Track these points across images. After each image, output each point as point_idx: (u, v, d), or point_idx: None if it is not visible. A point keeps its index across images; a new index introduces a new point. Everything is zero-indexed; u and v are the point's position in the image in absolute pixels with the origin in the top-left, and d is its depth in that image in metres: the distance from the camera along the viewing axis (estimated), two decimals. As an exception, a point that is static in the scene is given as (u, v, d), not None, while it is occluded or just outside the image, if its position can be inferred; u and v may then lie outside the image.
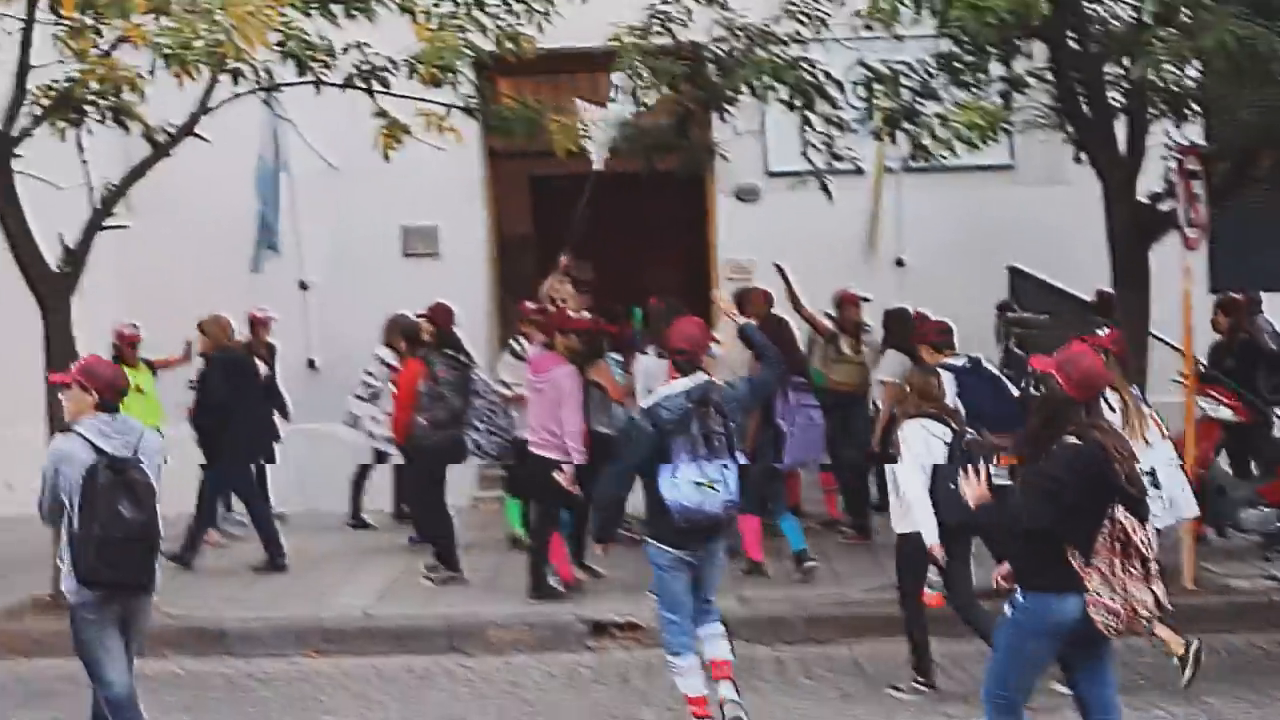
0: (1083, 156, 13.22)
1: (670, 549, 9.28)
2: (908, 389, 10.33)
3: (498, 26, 12.92)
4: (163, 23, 10.80)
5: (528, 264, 20.07)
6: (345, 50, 12.65)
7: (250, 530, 15.18)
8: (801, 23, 13.07)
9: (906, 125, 13.47)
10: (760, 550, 13.47)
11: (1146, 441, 10.07)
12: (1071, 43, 12.21)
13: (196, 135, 13.11)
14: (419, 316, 14.27)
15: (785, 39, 12.88)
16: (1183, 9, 10.29)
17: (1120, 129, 12.76)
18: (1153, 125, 12.80)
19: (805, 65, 12.83)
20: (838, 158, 14.05)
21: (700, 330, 9.66)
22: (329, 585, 13.79)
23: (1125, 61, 11.98)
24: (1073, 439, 7.18)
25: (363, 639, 12.38)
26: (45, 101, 12.70)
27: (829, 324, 15.02)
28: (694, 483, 9.08)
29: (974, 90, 12.61)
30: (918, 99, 13.12)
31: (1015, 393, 11.97)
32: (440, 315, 14.07)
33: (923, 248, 17.08)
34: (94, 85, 12.10)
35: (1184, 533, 12.47)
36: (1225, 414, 13.76)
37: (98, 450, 8.27)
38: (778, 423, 13.25)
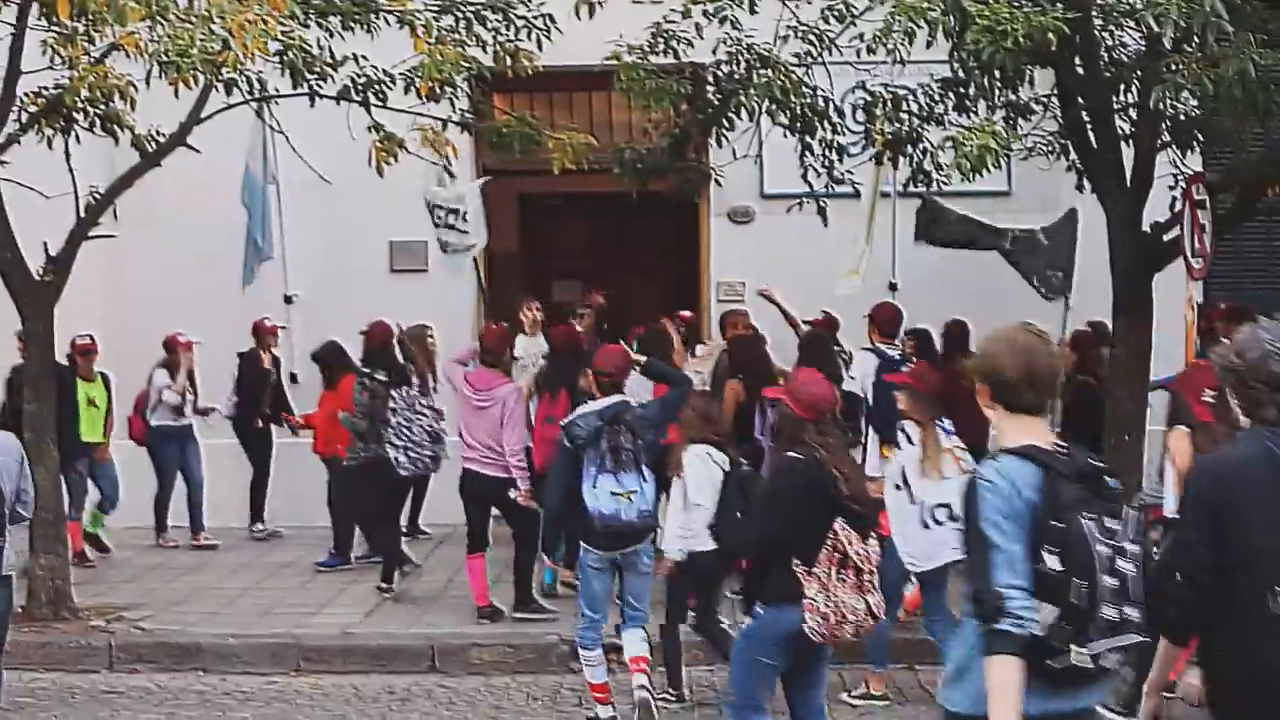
0: (1085, 184, 13.13)
1: (596, 550, 10.12)
2: (692, 413, 10.66)
3: (497, 42, 12.77)
4: (159, 30, 10.61)
5: (513, 281, 19.97)
6: (343, 62, 12.45)
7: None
8: (812, 45, 12.89)
9: (908, 149, 13.43)
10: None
11: (943, 475, 10.09)
12: (1079, 69, 12.07)
13: (187, 145, 12.94)
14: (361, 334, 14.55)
15: (786, 63, 12.70)
16: (1201, 36, 10.12)
17: (1126, 157, 12.65)
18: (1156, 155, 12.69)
19: (807, 89, 12.68)
20: (838, 181, 13.93)
21: (622, 356, 10.68)
22: (315, 603, 13.60)
23: (1135, 88, 11.87)
24: (794, 455, 7.83)
25: (342, 658, 12.19)
26: (33, 108, 12.55)
27: None
28: (611, 493, 9.97)
29: (976, 115, 12.49)
30: (920, 124, 13.01)
31: None
32: (373, 334, 14.33)
33: (916, 272, 16.92)
34: (84, 93, 11.94)
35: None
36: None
37: None
38: (757, 438, 13.09)
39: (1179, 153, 12.86)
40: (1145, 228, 12.76)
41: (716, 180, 14.86)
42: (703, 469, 10.23)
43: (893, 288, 16.90)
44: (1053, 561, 5.07)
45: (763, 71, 12.56)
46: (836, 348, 14.09)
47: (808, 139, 13.29)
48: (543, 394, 13.49)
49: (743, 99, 12.55)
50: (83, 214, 13.00)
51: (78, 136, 12.69)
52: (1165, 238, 12.75)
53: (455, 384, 12.99)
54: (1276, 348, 5.57)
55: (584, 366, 13.07)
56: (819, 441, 7.83)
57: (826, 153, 13.63)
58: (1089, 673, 5.15)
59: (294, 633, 12.57)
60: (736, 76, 13.06)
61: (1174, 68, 10.55)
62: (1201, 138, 12.56)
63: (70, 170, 12.72)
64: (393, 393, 13.77)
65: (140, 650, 12.26)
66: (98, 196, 13.06)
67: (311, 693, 11.56)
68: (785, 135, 13.22)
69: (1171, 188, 13.01)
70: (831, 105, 13.08)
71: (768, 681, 8.10)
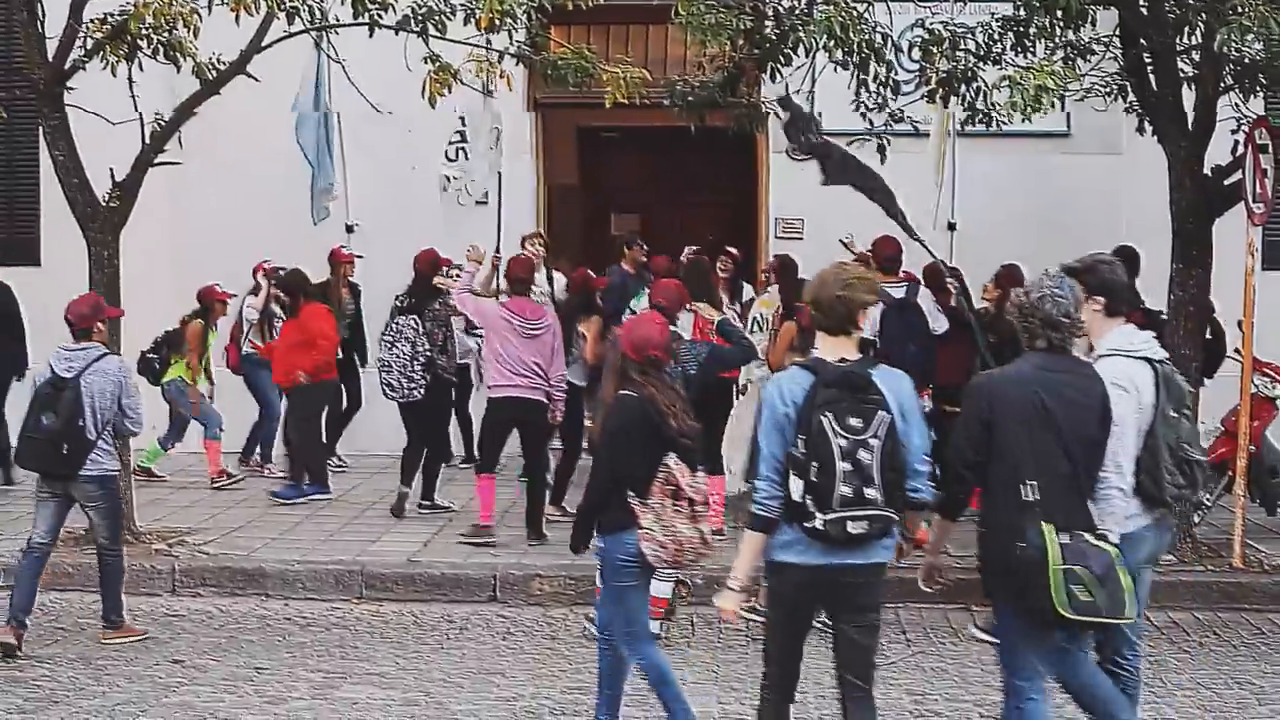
0: (1146, 127, 13.06)
1: None
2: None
3: (560, -28, 12.75)
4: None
5: (574, 213, 19.99)
6: (405, -9, 12.49)
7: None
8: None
9: (963, 89, 13.37)
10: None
11: None
12: (1143, 8, 12.00)
13: (248, 74, 12.99)
14: None
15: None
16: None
17: (1186, 100, 12.58)
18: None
19: (866, 25, 12.62)
20: (895, 119, 13.88)
21: (679, 291, 11.25)
22: (374, 532, 13.74)
23: (1200, 29, 11.80)
24: (625, 393, 8.22)
25: (404, 585, 12.33)
26: (98, 35, 12.61)
27: None
28: None
29: (1034, 55, 12.44)
30: (977, 62, 12.96)
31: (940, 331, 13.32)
32: (417, 260, 14.77)
33: (974, 212, 16.88)
34: (148, 19, 11.98)
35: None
36: (1280, 392, 13.60)
37: (51, 370, 10.67)
38: None
39: (1241, 96, 12.76)
40: (1206, 172, 12.72)
41: (776, 114, 14.80)
42: None
43: (951, 228, 16.87)
44: (800, 446, 6.72)
45: (823, 7, 12.51)
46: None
47: (863, 75, 13.25)
48: None
49: (801, 34, 12.50)
50: (147, 140, 13.08)
51: (140, 64, 12.73)
52: (1226, 182, 12.69)
53: (484, 314, 13.52)
54: (1054, 293, 7.05)
55: (592, 310, 14.12)
56: (644, 380, 8.17)
57: (881, 90, 13.58)
58: (845, 538, 6.73)
59: (359, 560, 12.71)
60: (796, 11, 13.01)
61: (1239, 9, 10.48)
62: (1265, 81, 12.45)
63: (133, 97, 12.77)
64: (399, 320, 14.27)
65: (203, 574, 12.43)
66: (162, 124, 13.13)
67: (371, 620, 11.70)
68: (836, 71, 13.16)
69: (1234, 132, 12.93)
70: (890, 42, 13.02)
71: (642, 605, 8.39)
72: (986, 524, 7.09)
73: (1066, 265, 7.61)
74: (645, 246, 16.64)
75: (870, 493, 6.71)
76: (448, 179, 16.52)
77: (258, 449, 16.76)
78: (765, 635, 7.32)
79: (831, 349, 6.96)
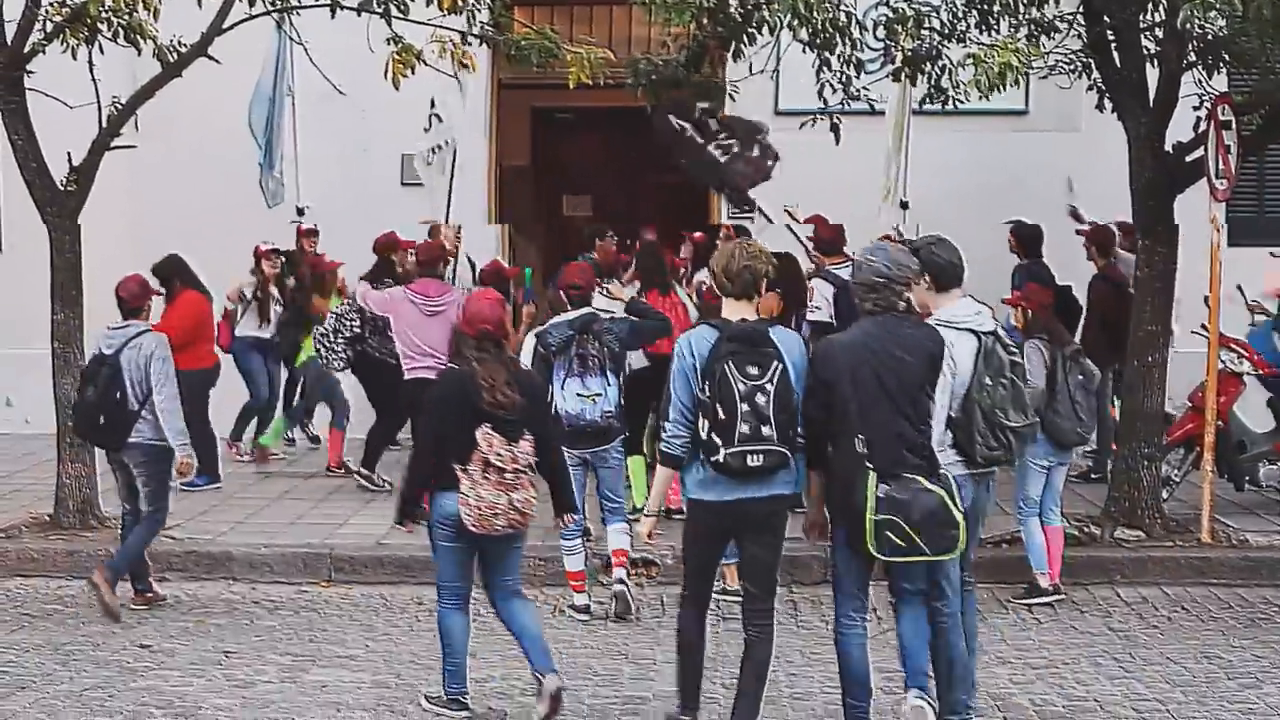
0: (1106, 104, 13.11)
1: (566, 450, 10.40)
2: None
3: (522, -47, 12.73)
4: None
5: (525, 194, 19.94)
6: (365, -28, 12.43)
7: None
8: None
9: (927, 67, 13.40)
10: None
11: None
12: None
13: (208, 56, 12.90)
14: None
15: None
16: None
17: (1149, 77, 12.63)
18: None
19: (830, 4, 12.62)
20: (854, 98, 13.89)
21: (589, 272, 11.84)
22: (342, 514, 13.70)
23: (1163, 6, 11.85)
24: (451, 366, 9.02)
25: (373, 568, 12.31)
26: (58, 18, 12.52)
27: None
28: (577, 394, 10.91)
29: (998, 33, 12.48)
30: (942, 40, 12.98)
31: None
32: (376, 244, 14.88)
33: (929, 191, 16.91)
34: (108, 2, 11.93)
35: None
36: (1247, 368, 13.67)
37: (97, 347, 11.36)
38: None
39: (1204, 73, 12.83)
40: (1167, 149, 12.78)
41: (731, 95, 14.80)
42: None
43: (904, 205, 16.89)
44: (706, 391, 7.84)
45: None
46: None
47: (826, 55, 13.25)
48: None
49: (765, 14, 12.50)
50: (104, 124, 12.99)
51: (100, 47, 12.65)
52: (1187, 159, 12.75)
53: (381, 304, 13.89)
54: (868, 261, 8.05)
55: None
56: (475, 355, 8.75)
57: (844, 69, 13.59)
58: (745, 470, 7.83)
59: (327, 543, 12.68)
60: (760, -10, 13.00)
61: (1203, -16, 10.52)
62: (1228, 58, 12.52)
63: (93, 80, 12.68)
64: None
65: (170, 559, 12.31)
66: (119, 107, 13.04)
67: (340, 602, 11.68)
68: (804, 51, 13.17)
69: (1196, 109, 13.00)
70: (854, 20, 13.02)
71: (460, 562, 8.99)
72: (831, 472, 8.04)
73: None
74: (615, 237, 16.55)
75: (766, 430, 7.81)
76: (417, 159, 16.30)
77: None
78: (684, 556, 8.48)
79: (734, 311, 8.10)
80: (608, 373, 11.04)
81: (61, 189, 12.88)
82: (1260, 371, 13.78)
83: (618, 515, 11.38)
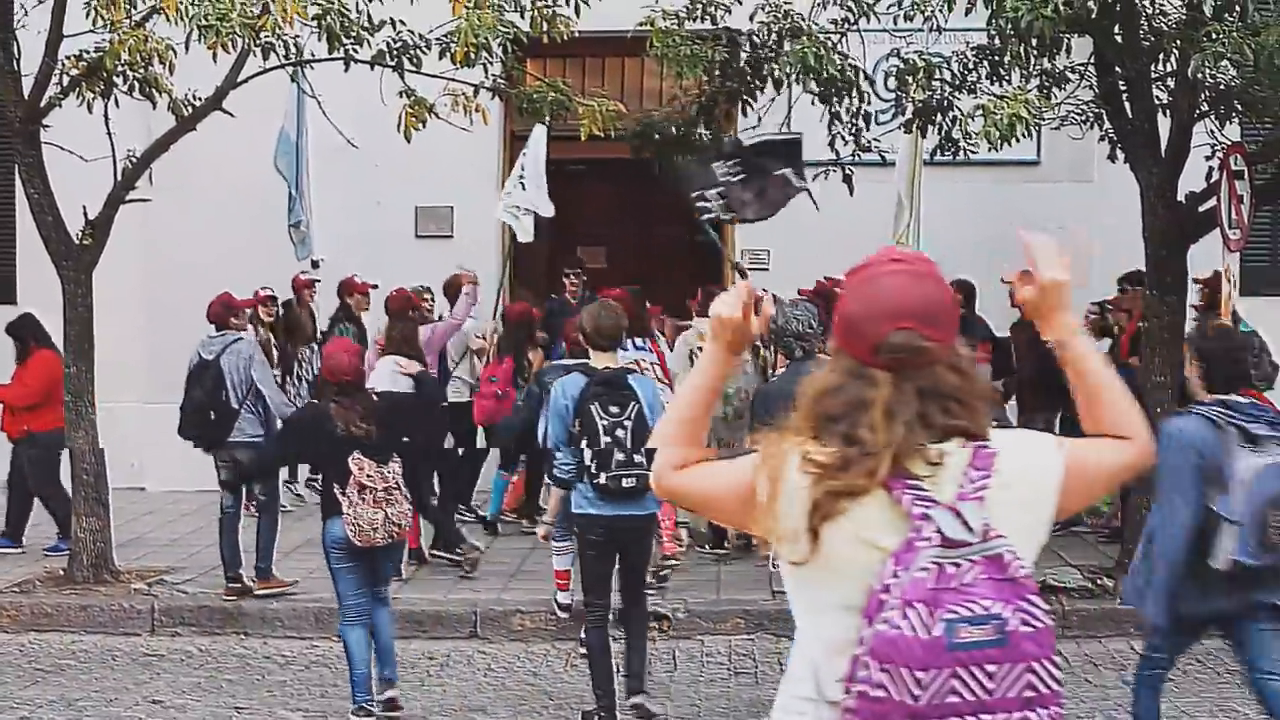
0: (1118, 154, 13.12)
1: None
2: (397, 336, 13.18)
3: (535, 7, 12.76)
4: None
5: (539, 247, 19.91)
6: (380, 26, 12.44)
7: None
8: (849, 11, 12.85)
9: (938, 118, 13.42)
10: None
11: None
12: (1118, 36, 12.06)
13: (223, 110, 12.97)
14: None
15: (821, 29, 12.67)
16: (1242, 4, 10.13)
17: (1160, 127, 12.65)
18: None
19: (839, 56, 12.66)
20: (865, 149, 13.91)
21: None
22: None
23: (1174, 56, 11.87)
24: (316, 402, 10.66)
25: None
26: (74, 71, 12.59)
27: None
28: None
29: (1010, 84, 12.50)
30: (953, 92, 13.01)
31: None
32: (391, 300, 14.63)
33: (941, 241, 16.88)
34: (124, 56, 11.98)
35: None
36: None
37: (198, 355, 12.77)
38: None
39: (1217, 123, 12.83)
40: (1179, 198, 12.78)
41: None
42: (389, 376, 12.47)
43: (917, 257, 16.88)
44: (577, 426, 9.46)
45: (796, 40, 12.55)
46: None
47: (835, 107, 13.28)
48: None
49: (775, 67, 12.54)
50: (119, 177, 13.05)
51: (116, 100, 12.73)
52: (1200, 209, 12.75)
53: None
54: (796, 314, 9.62)
55: (534, 342, 15.22)
56: (334, 396, 9.99)
57: (854, 120, 13.62)
58: (620, 490, 9.35)
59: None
60: (769, 44, 13.05)
61: (1214, 36, 10.53)
62: (1240, 107, 12.54)
63: (109, 134, 12.75)
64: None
65: (182, 613, 12.36)
66: (134, 160, 13.10)
67: (352, 657, 11.64)
68: (813, 103, 13.21)
69: (1208, 158, 13.00)
70: (861, 74, 13.04)
71: (356, 580, 9.93)
72: None
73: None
74: (577, 274, 16.74)
75: (638, 458, 9.25)
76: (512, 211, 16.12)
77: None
78: (582, 574, 10.07)
79: (601, 360, 9.70)
80: None
81: (77, 243, 12.91)
82: None
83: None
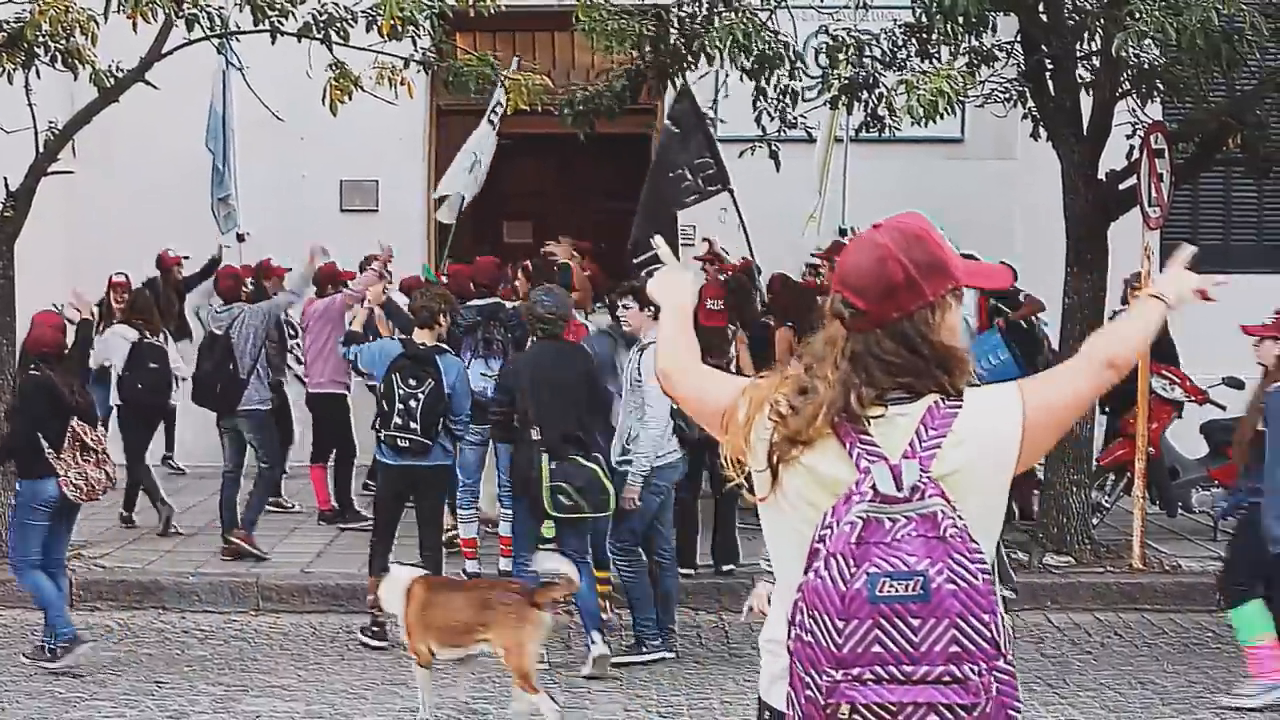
0: (1041, 132, 13.18)
1: (471, 425, 11.82)
2: None
3: (462, -21, 12.69)
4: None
5: (464, 219, 19.84)
6: (304, -1, 12.37)
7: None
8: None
9: (864, 94, 13.44)
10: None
11: None
12: (1042, 15, 12.11)
13: (146, 82, 12.84)
14: None
15: (749, 6, 12.65)
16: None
17: (1084, 106, 12.71)
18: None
19: (769, 32, 12.65)
20: (791, 125, 13.93)
21: (496, 267, 14.07)
22: (269, 542, 13.47)
23: (1098, 35, 11.93)
24: (32, 372, 10.70)
25: (300, 597, 12.27)
26: (-6, 42, 12.44)
27: None
28: (480, 374, 12.32)
29: (939, 61, 12.53)
30: (881, 69, 13.03)
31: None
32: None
33: (867, 218, 16.81)
34: (45, 26, 11.83)
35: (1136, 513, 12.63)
36: (1179, 395, 13.72)
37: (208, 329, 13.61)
38: None
39: (1139, 102, 12.92)
40: (1100, 176, 12.85)
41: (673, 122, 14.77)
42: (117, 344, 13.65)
43: (843, 233, 16.94)
44: (381, 389, 10.79)
45: (725, 14, 12.53)
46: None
47: (762, 83, 13.29)
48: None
49: (704, 42, 12.53)
50: (41, 149, 12.90)
51: (38, 71, 12.55)
52: (1120, 186, 12.83)
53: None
54: (543, 300, 10.54)
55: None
56: (49, 367, 10.52)
57: (780, 97, 13.63)
58: (395, 447, 10.70)
59: (254, 571, 12.63)
60: (698, 19, 13.03)
61: (1137, 15, 10.55)
62: (1162, 86, 12.62)
63: (30, 105, 12.58)
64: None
65: (100, 588, 12.27)
66: (56, 132, 12.96)
67: (270, 631, 11.65)
68: (741, 79, 13.20)
69: (1129, 137, 13.08)
70: (792, 49, 13.04)
71: (43, 538, 10.52)
72: (514, 453, 10.67)
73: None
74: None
75: (412, 425, 10.63)
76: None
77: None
78: (374, 514, 11.39)
79: (419, 336, 10.84)
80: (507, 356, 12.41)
81: (-1, 214, 12.78)
82: (1193, 398, 13.79)
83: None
